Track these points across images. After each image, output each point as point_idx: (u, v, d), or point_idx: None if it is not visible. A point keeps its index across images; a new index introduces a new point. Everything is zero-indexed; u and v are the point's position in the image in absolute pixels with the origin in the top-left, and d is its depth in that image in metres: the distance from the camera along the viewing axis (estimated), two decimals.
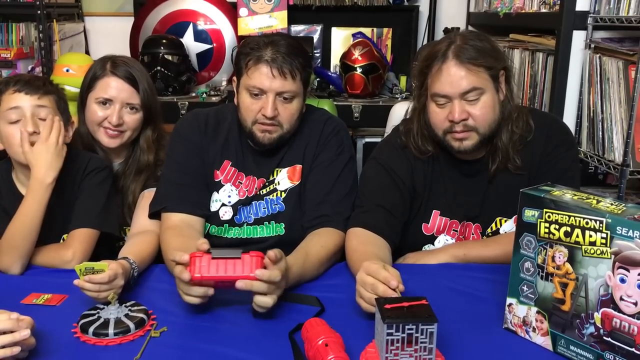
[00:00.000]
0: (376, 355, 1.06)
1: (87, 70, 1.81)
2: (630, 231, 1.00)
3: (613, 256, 1.02)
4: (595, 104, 2.09)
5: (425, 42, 3.52)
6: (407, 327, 1.00)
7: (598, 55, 2.08)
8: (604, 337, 1.06)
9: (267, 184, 1.66)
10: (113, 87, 1.74)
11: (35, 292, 1.36)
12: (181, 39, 3.35)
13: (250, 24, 3.39)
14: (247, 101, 1.57)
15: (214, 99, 3.14)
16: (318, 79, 3.40)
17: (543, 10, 2.44)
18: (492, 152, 1.56)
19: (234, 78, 1.66)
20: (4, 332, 1.05)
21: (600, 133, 2.06)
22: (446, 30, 3.48)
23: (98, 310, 1.23)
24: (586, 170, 2.29)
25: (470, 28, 3.34)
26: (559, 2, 2.23)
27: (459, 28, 3.38)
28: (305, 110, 1.69)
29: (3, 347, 1.03)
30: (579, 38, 2.16)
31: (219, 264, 1.21)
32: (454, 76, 1.45)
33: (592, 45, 2.13)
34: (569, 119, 2.21)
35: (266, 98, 1.54)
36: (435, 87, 1.48)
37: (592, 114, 2.11)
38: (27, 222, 1.47)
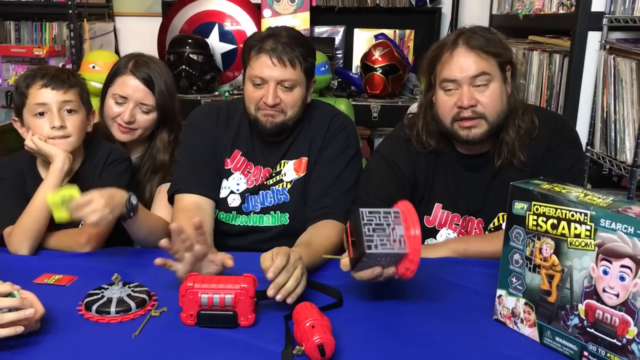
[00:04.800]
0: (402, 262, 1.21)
1: (112, 65, 1.89)
2: (614, 223, 1.01)
3: (597, 248, 1.04)
4: (609, 105, 2.08)
5: None
6: (364, 232, 1.17)
7: (612, 56, 2.07)
8: (587, 329, 1.07)
9: (273, 174, 1.71)
10: (129, 85, 1.82)
11: (47, 273, 1.43)
12: (206, 39, 3.42)
13: (274, 25, 3.44)
14: (250, 90, 1.64)
15: (236, 97, 3.21)
16: (339, 80, 3.44)
17: (561, 11, 2.43)
18: (497, 148, 1.58)
19: (242, 71, 1.73)
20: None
21: (613, 134, 2.05)
22: None
23: (102, 290, 1.29)
24: (600, 172, 2.28)
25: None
26: (575, 3, 2.23)
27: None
28: (314, 105, 1.74)
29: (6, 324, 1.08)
30: (594, 39, 2.16)
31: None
32: (463, 61, 1.48)
33: (607, 46, 2.12)
34: (583, 120, 2.20)
35: (267, 86, 1.60)
36: (445, 72, 1.51)
37: (605, 115, 2.10)
38: (38, 206, 1.55)
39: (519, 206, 1.16)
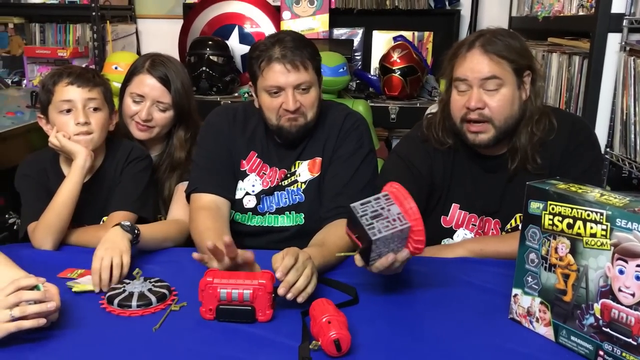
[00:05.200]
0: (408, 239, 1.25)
1: (131, 64, 1.93)
2: (630, 223, 1.01)
3: (612, 248, 1.04)
4: (629, 107, 2.07)
5: None
6: (366, 222, 1.21)
7: (632, 58, 2.06)
8: (603, 328, 1.07)
9: (288, 175, 1.73)
10: (146, 84, 1.85)
11: (71, 268, 1.47)
12: (227, 41, 3.46)
13: (293, 27, 3.47)
14: (267, 101, 1.64)
15: (252, 99, 3.23)
16: (357, 81, 3.46)
17: (581, 13, 2.43)
18: (512, 151, 1.58)
19: (250, 84, 1.73)
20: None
21: (633, 136, 2.04)
22: None
23: (124, 284, 1.33)
24: (619, 175, 2.26)
25: None
26: (595, 4, 2.22)
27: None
28: (327, 105, 1.75)
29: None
30: (614, 40, 2.15)
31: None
32: (476, 63, 1.49)
33: (627, 48, 2.11)
34: (602, 122, 2.19)
35: (285, 93, 1.61)
36: (458, 71, 1.53)
37: (624, 117, 2.09)
38: (61, 202, 1.59)
39: (535, 206, 1.17)
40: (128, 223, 1.51)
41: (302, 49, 1.61)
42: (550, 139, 1.56)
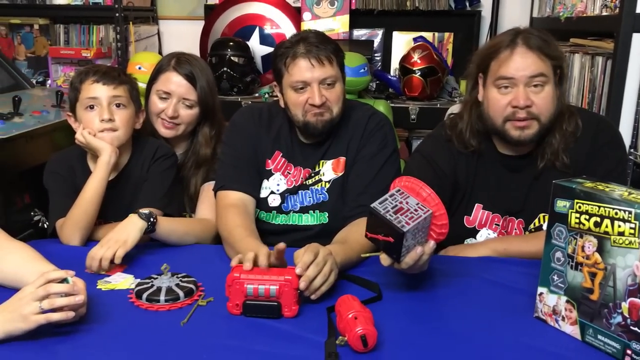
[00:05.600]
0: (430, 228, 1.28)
1: (155, 64, 1.96)
2: None
3: None
4: None
5: None
6: (391, 216, 1.22)
7: None
8: (631, 327, 1.07)
9: (312, 174, 1.75)
10: (173, 82, 1.88)
11: None
12: (247, 42, 3.49)
13: (314, 28, 3.48)
14: (293, 97, 1.66)
15: (275, 99, 3.25)
16: (377, 82, 3.46)
17: (604, 13, 2.41)
18: (541, 149, 1.58)
19: (275, 83, 1.76)
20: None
21: None
22: None
23: (152, 279, 1.35)
24: None
25: None
26: (619, 4, 2.20)
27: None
28: (351, 106, 1.77)
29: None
30: (638, 41, 2.13)
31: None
32: (522, 60, 1.49)
33: None
34: (626, 122, 2.18)
35: (311, 88, 1.63)
36: (502, 70, 1.51)
37: None
38: (87, 198, 1.63)
39: (561, 204, 1.17)
40: (146, 211, 1.55)
41: (326, 45, 1.64)
42: (575, 138, 1.56)
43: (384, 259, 1.28)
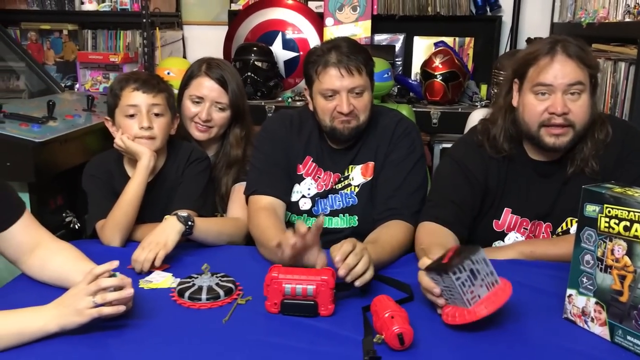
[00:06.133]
0: (455, 308, 1.22)
1: (186, 70, 2.02)
2: None
3: None
4: None
5: (507, 51, 3.55)
6: (465, 264, 1.18)
7: None
8: None
9: (342, 179, 1.80)
10: (205, 86, 1.95)
11: None
12: (270, 47, 3.54)
13: (336, 33, 3.54)
14: (322, 103, 1.72)
15: (298, 103, 3.31)
16: (398, 86, 3.50)
17: (627, 19, 2.43)
18: (571, 155, 1.61)
19: (305, 87, 1.81)
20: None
21: None
22: (529, 40, 3.49)
23: (193, 279, 1.40)
24: None
25: None
26: None
27: (542, 38, 3.38)
28: (379, 112, 1.82)
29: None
30: None
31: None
32: (562, 68, 1.52)
33: None
34: None
35: (340, 97, 1.69)
36: (541, 77, 1.54)
37: None
38: (127, 201, 1.69)
39: (590, 209, 1.21)
40: (185, 214, 1.61)
41: (356, 55, 1.69)
42: (605, 145, 1.59)
43: (423, 263, 1.30)
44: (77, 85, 3.46)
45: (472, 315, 1.21)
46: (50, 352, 1.14)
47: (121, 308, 1.20)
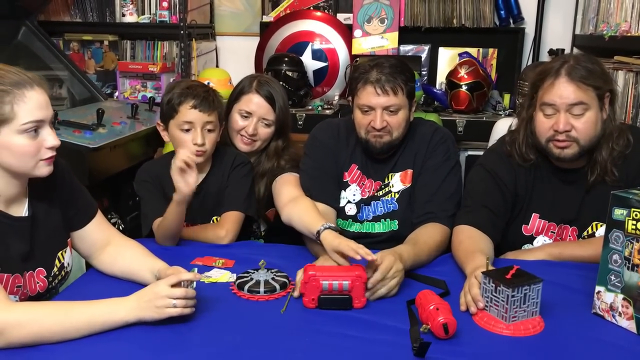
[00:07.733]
0: (491, 317, 1.35)
1: (237, 84, 2.15)
2: None
3: None
4: None
5: (529, 62, 3.66)
6: (524, 288, 1.30)
7: None
8: None
9: (382, 186, 1.94)
10: (254, 102, 2.07)
11: (211, 257, 1.72)
12: (300, 57, 3.68)
13: (364, 44, 3.68)
14: (359, 117, 1.86)
15: (327, 112, 3.45)
16: (424, 95, 3.63)
17: None
18: (591, 165, 1.72)
19: (349, 98, 1.94)
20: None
21: None
22: (551, 52, 3.60)
23: (250, 274, 1.54)
24: None
25: (575, 50, 3.44)
26: None
27: (563, 50, 3.49)
28: (416, 122, 1.95)
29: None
30: None
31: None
32: (564, 90, 1.63)
33: None
34: None
35: (375, 113, 1.81)
36: (546, 97, 1.66)
37: None
38: (170, 219, 1.77)
39: (618, 212, 1.32)
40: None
41: (396, 76, 1.80)
42: (626, 154, 1.70)
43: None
44: (116, 94, 3.62)
45: (509, 331, 1.32)
46: (129, 335, 1.28)
47: (187, 310, 1.33)
